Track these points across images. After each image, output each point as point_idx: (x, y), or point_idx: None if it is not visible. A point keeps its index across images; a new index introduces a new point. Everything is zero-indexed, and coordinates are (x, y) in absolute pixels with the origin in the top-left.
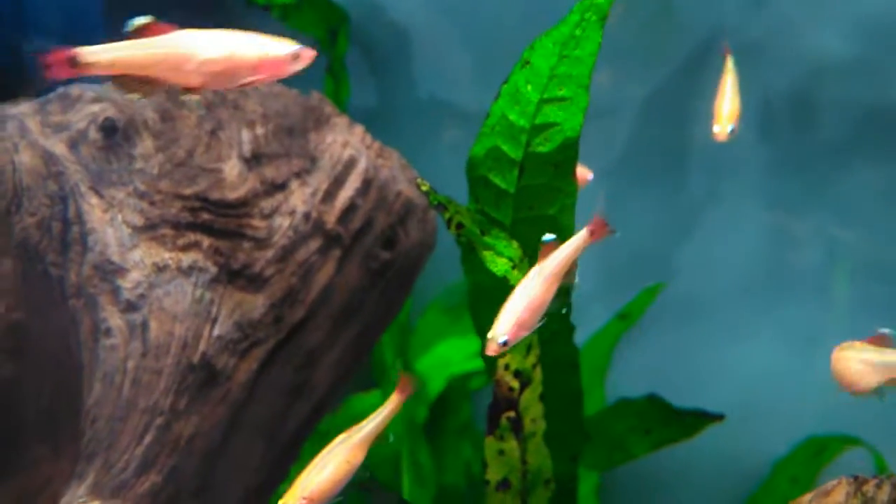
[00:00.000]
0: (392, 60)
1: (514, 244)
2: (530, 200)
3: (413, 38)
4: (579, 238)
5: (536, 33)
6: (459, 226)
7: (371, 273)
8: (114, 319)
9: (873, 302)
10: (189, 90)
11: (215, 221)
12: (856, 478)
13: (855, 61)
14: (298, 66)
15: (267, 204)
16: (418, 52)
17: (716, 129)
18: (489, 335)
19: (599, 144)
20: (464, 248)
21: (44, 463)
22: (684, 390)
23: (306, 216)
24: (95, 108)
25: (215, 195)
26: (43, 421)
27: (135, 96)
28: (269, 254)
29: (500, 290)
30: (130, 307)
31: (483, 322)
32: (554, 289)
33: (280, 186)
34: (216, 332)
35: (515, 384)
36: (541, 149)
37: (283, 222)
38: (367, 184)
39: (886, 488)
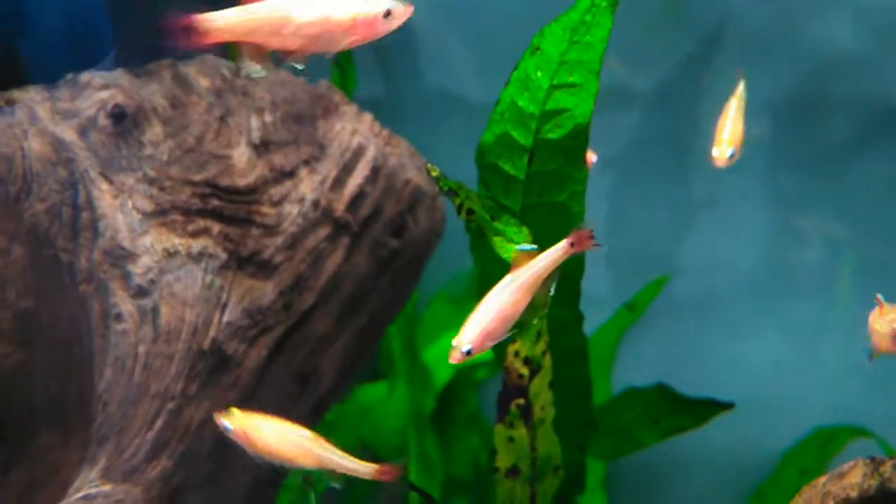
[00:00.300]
0: (398, 51)
1: (525, 230)
2: (540, 187)
3: (420, 29)
4: (557, 250)
5: (542, 24)
6: (469, 212)
7: (379, 261)
8: (125, 305)
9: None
10: (289, 54)
11: (225, 208)
12: (872, 459)
13: (862, 55)
14: (393, 24)
15: (276, 191)
16: (425, 43)
17: (715, 152)
18: (453, 342)
19: (606, 136)
20: (473, 235)
21: (53, 450)
22: (690, 383)
23: (315, 203)
24: (104, 94)
25: (225, 181)
26: (52, 408)
27: (257, 69)
28: (279, 241)
29: None
30: (141, 292)
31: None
32: (526, 300)
33: (289, 174)
34: (226, 318)
35: (525, 371)
36: (551, 135)
37: (292, 209)
38: (375, 171)
39: None
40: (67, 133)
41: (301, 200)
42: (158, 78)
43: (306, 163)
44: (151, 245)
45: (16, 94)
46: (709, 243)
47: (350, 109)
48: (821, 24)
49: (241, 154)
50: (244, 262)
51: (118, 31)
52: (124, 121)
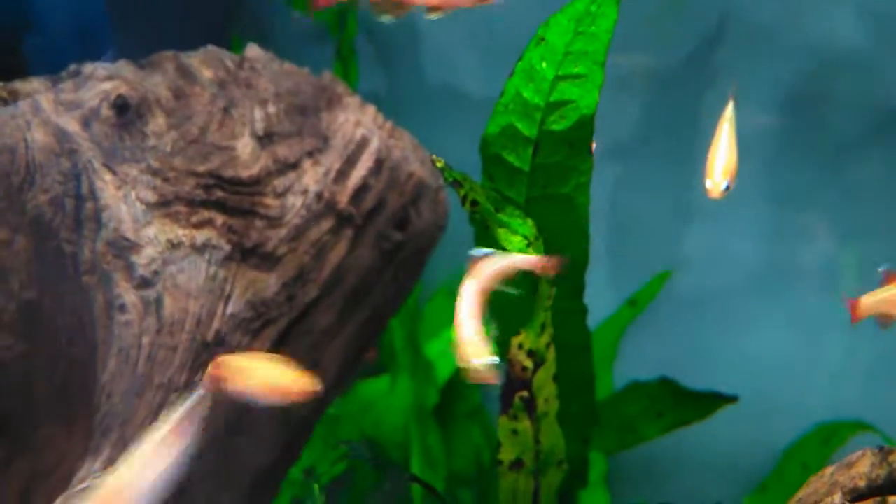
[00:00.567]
0: (401, 45)
1: (529, 222)
2: (545, 179)
3: (422, 23)
4: (523, 260)
5: (545, 18)
6: (474, 203)
7: (383, 253)
8: (128, 296)
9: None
10: (432, 9)
11: (228, 199)
12: (881, 448)
13: (864, 50)
14: None
15: (280, 183)
16: (427, 36)
17: (708, 184)
18: (475, 362)
19: (608, 130)
20: (478, 226)
21: (56, 442)
22: (693, 378)
23: (319, 195)
24: (108, 85)
25: (229, 173)
26: (55, 399)
27: (387, 17)
28: (282, 233)
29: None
30: (145, 283)
31: (493, 306)
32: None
33: (292, 165)
34: (230, 310)
35: (529, 364)
36: (555, 126)
37: (295, 201)
38: (379, 164)
39: None
40: (71, 124)
41: (304, 192)
42: (161, 69)
43: (310, 154)
44: (155, 236)
45: (19, 85)
46: (711, 238)
47: (353, 101)
48: (823, 16)
49: (244, 145)
50: (248, 254)
51: (116, 28)
52: (128, 111)
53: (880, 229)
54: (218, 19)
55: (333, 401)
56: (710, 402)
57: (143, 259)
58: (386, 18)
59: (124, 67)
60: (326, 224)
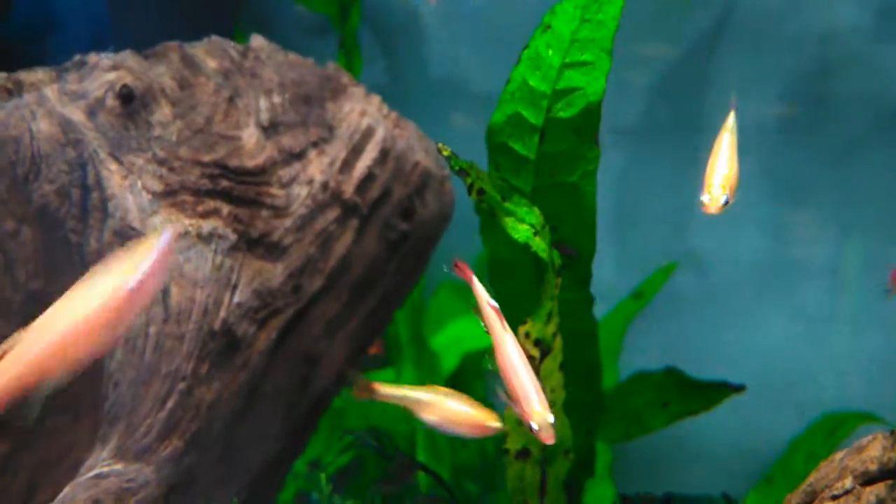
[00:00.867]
0: (403, 37)
1: (536, 211)
2: (551, 167)
3: (424, 15)
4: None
5: (547, 11)
6: (480, 192)
7: (389, 244)
8: None
9: (886, 281)
10: None
11: (234, 189)
12: (892, 432)
13: (869, 40)
14: None
15: (285, 173)
16: (429, 29)
17: (705, 198)
18: (536, 424)
19: (613, 122)
20: (484, 216)
21: (63, 432)
22: (698, 370)
23: (324, 185)
24: (112, 75)
25: (234, 162)
26: (62, 389)
27: None
28: (288, 222)
29: (520, 263)
30: None
31: (500, 296)
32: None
33: (298, 155)
34: (236, 299)
35: (536, 353)
36: (562, 114)
37: (301, 191)
38: (384, 153)
39: None
40: (76, 114)
41: (310, 182)
42: (166, 59)
43: (315, 144)
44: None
45: (23, 75)
46: (716, 231)
47: (358, 91)
48: (827, 10)
49: (249, 135)
50: (254, 244)
51: (119, 23)
52: (133, 101)
53: (885, 221)
54: (222, 13)
55: (339, 391)
56: (716, 391)
57: None
58: None
59: (129, 58)
60: (332, 214)
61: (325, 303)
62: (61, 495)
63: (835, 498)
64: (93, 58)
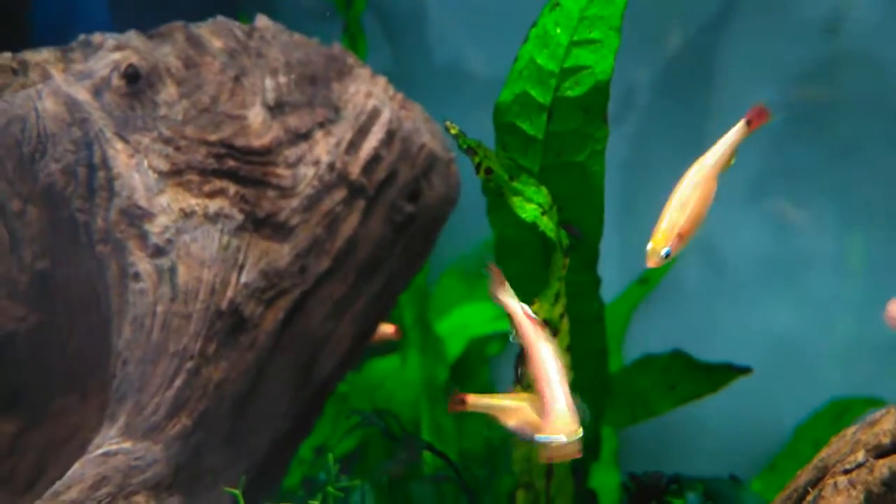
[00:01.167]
0: (408, 22)
1: (544, 190)
2: (559, 146)
3: (429, 0)
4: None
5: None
6: (488, 171)
7: (395, 225)
8: (142, 264)
9: (891, 267)
10: None
11: (241, 168)
12: None
13: (877, 28)
14: None
15: (291, 153)
16: (434, 15)
17: (648, 246)
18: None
19: (618, 109)
20: (491, 197)
21: (71, 412)
22: (702, 356)
23: (331, 166)
24: (118, 55)
25: (240, 142)
26: (70, 369)
27: None
28: (294, 203)
29: (527, 244)
30: (158, 252)
31: (508, 277)
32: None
33: (304, 136)
34: (243, 279)
35: None
36: (570, 93)
37: (307, 172)
38: (390, 135)
39: None
40: (81, 93)
41: (316, 163)
42: (171, 39)
43: (321, 125)
44: (168, 204)
45: (28, 55)
46: (722, 217)
47: (364, 72)
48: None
49: (255, 115)
50: (260, 224)
51: (119, 7)
52: (138, 81)
53: (890, 208)
54: (224, 2)
55: (346, 374)
56: (722, 373)
57: (157, 227)
58: None
59: (134, 38)
60: (339, 195)
61: (332, 284)
62: (69, 473)
63: (847, 472)
64: (97, 38)
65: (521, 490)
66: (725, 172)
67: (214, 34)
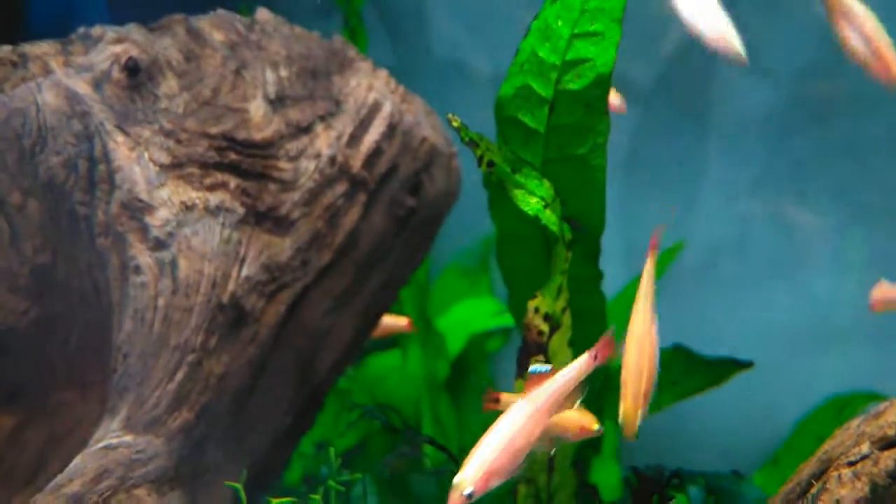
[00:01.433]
0: (408, 17)
1: (546, 183)
2: (560, 140)
3: None
4: (579, 366)
5: None
6: (490, 164)
7: (396, 220)
8: (143, 257)
9: (890, 262)
10: None
11: (242, 162)
12: None
13: (882, 14)
14: None
15: (292, 146)
16: (435, 9)
17: (621, 416)
18: (455, 480)
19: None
20: (492, 191)
21: (72, 406)
22: (703, 352)
23: (332, 160)
24: (118, 48)
25: (241, 135)
26: (70, 364)
27: None
28: (296, 196)
29: (528, 238)
30: (159, 245)
31: (509, 271)
32: (542, 427)
33: (305, 129)
34: (244, 272)
35: (545, 328)
36: (572, 86)
37: (308, 165)
38: (392, 128)
39: None
40: (81, 86)
41: (317, 156)
42: (172, 32)
43: (322, 118)
44: (169, 198)
45: (28, 48)
46: (721, 212)
47: (365, 65)
48: None
49: (257, 108)
50: (261, 218)
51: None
52: (139, 74)
53: (890, 199)
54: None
55: (347, 368)
56: (724, 368)
57: (158, 221)
58: None
59: (134, 31)
60: (340, 188)
61: (333, 278)
62: (70, 466)
63: (851, 464)
64: (98, 30)
65: (522, 484)
66: (729, 165)
67: (215, 27)
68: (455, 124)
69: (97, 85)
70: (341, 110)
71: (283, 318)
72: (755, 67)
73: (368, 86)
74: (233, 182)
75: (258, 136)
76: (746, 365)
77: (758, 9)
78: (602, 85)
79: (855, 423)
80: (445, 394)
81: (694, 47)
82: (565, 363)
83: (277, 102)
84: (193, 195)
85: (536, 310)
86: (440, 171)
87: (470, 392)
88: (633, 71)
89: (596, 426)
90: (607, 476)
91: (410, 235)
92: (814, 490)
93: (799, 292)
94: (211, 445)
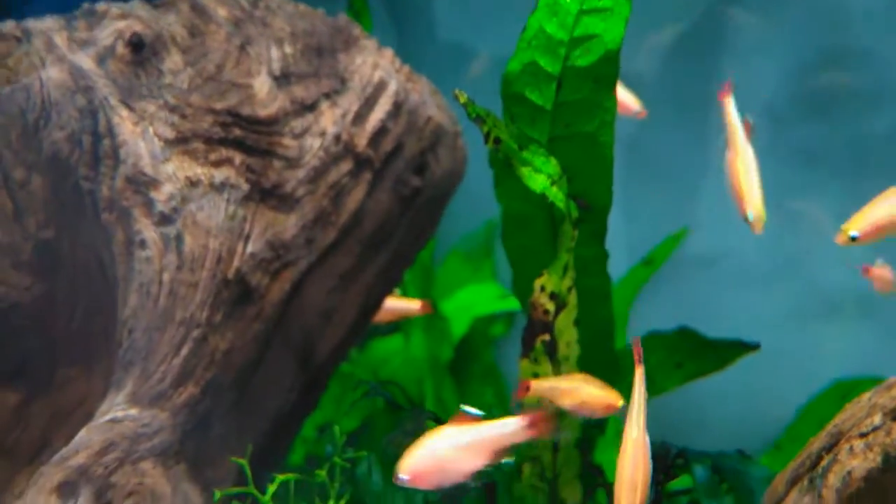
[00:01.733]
0: (412, 1)
1: (553, 160)
2: (568, 117)
3: None
4: (514, 427)
5: None
6: (497, 141)
7: (401, 199)
8: (148, 232)
9: (893, 246)
10: None
11: (247, 138)
12: None
13: (881, 24)
14: None
15: (297, 123)
16: None
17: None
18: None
19: (627, 83)
20: (498, 169)
21: (77, 382)
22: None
23: (337, 138)
24: (122, 24)
25: (246, 110)
26: (75, 340)
27: None
28: (300, 174)
29: (534, 218)
30: (164, 220)
31: (514, 252)
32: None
33: (310, 107)
34: (249, 249)
35: (551, 307)
36: (580, 62)
37: (313, 143)
38: (397, 107)
39: None
40: (85, 62)
41: (322, 134)
42: (175, 8)
43: (327, 96)
44: (174, 173)
45: (32, 23)
46: (725, 199)
47: (370, 44)
48: None
49: (261, 84)
50: (266, 195)
51: None
52: (143, 49)
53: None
54: None
55: (351, 348)
56: (730, 350)
57: (163, 196)
58: None
59: (138, 6)
60: (345, 167)
61: (338, 257)
62: (76, 438)
63: (863, 435)
64: (102, 6)
65: (527, 463)
66: None
67: (219, 3)
68: (462, 100)
69: (101, 60)
70: (346, 88)
71: (288, 295)
72: (762, 54)
73: (374, 64)
74: (238, 158)
75: (263, 112)
76: (753, 347)
77: (765, 10)
78: (611, 61)
79: (866, 396)
80: (449, 376)
81: (697, 34)
82: (571, 343)
83: (282, 79)
84: (198, 171)
85: (542, 288)
86: (446, 150)
87: (473, 377)
88: (636, 59)
89: (620, 402)
90: (612, 458)
91: (415, 215)
92: (823, 463)
93: (803, 279)
94: (216, 421)
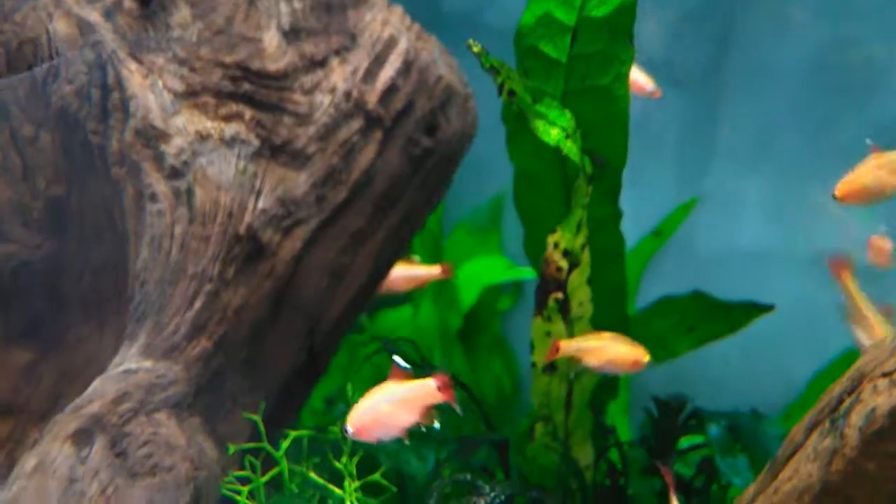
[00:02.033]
0: None
1: (568, 114)
2: (583, 70)
3: None
4: (427, 388)
5: None
6: (511, 93)
7: (412, 159)
8: (159, 185)
9: None
10: None
11: (256, 92)
12: None
13: (882, 14)
14: None
15: (307, 79)
16: None
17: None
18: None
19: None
20: (511, 124)
21: (88, 340)
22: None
23: (347, 95)
24: None
25: (256, 65)
26: (86, 299)
27: None
28: (311, 130)
29: (546, 177)
30: (175, 173)
31: (526, 211)
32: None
33: (320, 63)
34: (260, 205)
35: (564, 264)
36: (596, 12)
37: (323, 99)
38: (407, 65)
39: None
40: (93, 15)
41: (333, 90)
42: None
43: (337, 53)
44: (184, 126)
45: None
46: (736, 171)
47: (380, 0)
48: None
49: (271, 38)
50: (277, 151)
51: None
52: (150, 3)
53: None
54: None
55: (363, 309)
56: (743, 312)
57: (173, 149)
58: None
59: None
60: (355, 124)
61: (349, 216)
62: (90, 388)
63: (886, 374)
64: None
65: (539, 423)
66: (742, 125)
67: None
68: (476, 49)
69: (108, 14)
70: (356, 45)
71: (299, 253)
72: (767, 51)
73: (384, 20)
74: (248, 113)
75: (272, 66)
76: (766, 308)
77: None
78: (627, 11)
79: (888, 339)
80: (458, 344)
81: (711, 7)
82: (583, 302)
83: (291, 34)
84: (209, 125)
85: (556, 245)
86: (456, 111)
87: (482, 347)
88: (645, 32)
89: (647, 358)
90: (621, 420)
91: (426, 177)
92: (845, 405)
93: (813, 250)
94: (229, 376)
